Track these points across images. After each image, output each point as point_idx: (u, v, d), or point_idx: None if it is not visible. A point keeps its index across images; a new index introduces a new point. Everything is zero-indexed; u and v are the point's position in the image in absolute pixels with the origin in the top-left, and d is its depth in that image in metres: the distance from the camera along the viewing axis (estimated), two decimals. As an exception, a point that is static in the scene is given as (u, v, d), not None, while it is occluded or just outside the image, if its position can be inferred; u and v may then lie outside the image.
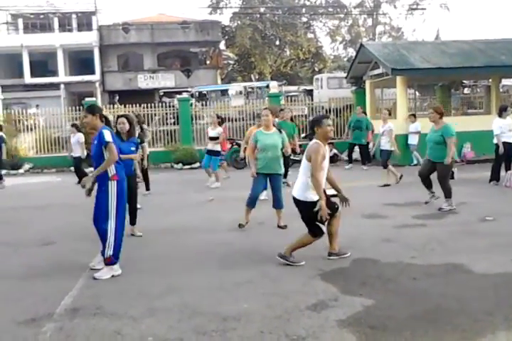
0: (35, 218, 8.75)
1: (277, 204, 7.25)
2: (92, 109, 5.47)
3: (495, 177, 10.50)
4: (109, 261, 5.24)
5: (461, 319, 3.89)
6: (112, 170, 5.32)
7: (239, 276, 5.07)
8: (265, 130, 7.34)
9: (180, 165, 16.40)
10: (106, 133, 5.28)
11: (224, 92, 26.55)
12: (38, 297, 4.66)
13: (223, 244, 6.40)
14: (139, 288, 4.82)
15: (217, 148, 11.57)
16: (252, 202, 7.24)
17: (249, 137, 8.02)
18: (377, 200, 8.94)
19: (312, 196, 5.30)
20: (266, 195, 8.84)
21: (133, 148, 6.93)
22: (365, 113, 15.97)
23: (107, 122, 5.56)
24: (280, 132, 7.46)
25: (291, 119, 11.83)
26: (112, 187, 5.28)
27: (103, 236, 5.27)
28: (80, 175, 13.08)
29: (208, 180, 11.56)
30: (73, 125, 13.84)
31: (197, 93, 26.90)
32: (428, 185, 8.51)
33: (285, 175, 11.14)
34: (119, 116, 7.09)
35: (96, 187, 5.39)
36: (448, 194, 8.13)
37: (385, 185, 10.77)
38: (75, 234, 7.21)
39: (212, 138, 11.55)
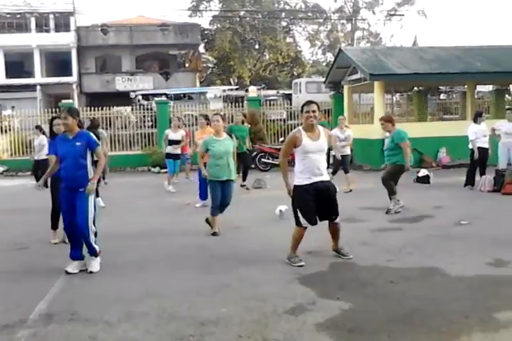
0: (8, 222, 8.59)
1: (223, 210, 7.27)
2: (74, 112, 5.48)
3: (470, 181, 10.66)
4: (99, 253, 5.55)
5: (437, 321, 3.93)
6: (91, 173, 5.43)
7: (217, 280, 5.04)
8: (216, 136, 7.28)
9: (157, 169, 16.30)
10: (94, 137, 5.48)
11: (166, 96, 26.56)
12: (11, 302, 4.57)
13: (201, 248, 6.37)
14: (115, 293, 4.76)
15: (178, 151, 11.76)
16: (216, 210, 7.20)
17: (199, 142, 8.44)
18: (354, 204, 8.99)
19: (296, 181, 5.53)
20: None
21: None
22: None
23: (81, 126, 5.64)
24: (231, 136, 7.47)
25: (242, 122, 11.91)
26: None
27: (85, 237, 5.40)
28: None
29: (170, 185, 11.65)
30: (37, 127, 13.58)
31: (140, 96, 26.95)
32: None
33: (244, 178, 11.20)
34: (53, 118, 6.96)
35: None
36: (391, 193, 8.44)
37: (350, 191, 10.81)
38: (48, 238, 7.10)
39: (174, 142, 11.57)
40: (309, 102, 5.60)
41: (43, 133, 13.08)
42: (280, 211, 7.96)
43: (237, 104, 19.06)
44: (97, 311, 4.29)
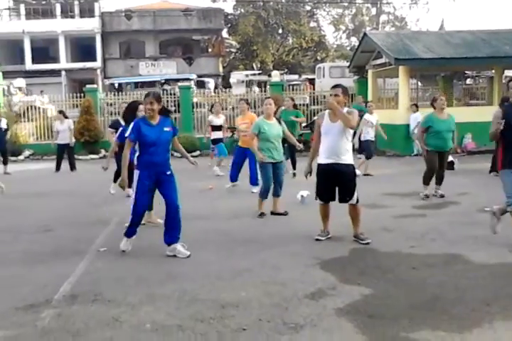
0: (34, 205, 8.75)
1: (277, 192, 7.29)
2: (159, 98, 5.47)
3: (495, 168, 10.47)
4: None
5: (459, 308, 3.90)
6: None
7: (238, 265, 5.07)
8: (267, 119, 7.32)
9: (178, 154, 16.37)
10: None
11: (142, 84, 26.79)
12: (37, 283, 4.67)
13: (222, 233, 6.41)
14: (137, 276, 4.83)
15: (222, 135, 12.07)
16: (265, 194, 7.28)
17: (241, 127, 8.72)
18: (377, 190, 8.92)
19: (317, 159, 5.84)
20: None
21: None
22: (366, 102, 15.85)
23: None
24: (279, 122, 7.46)
25: (294, 106, 11.77)
26: None
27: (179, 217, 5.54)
28: (72, 161, 13.08)
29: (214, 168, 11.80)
30: (60, 112, 13.75)
31: (116, 84, 27.08)
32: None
33: (294, 166, 11.16)
34: (138, 103, 7.12)
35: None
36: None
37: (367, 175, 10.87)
38: (73, 221, 7.24)
39: (218, 127, 11.86)
40: (334, 86, 5.84)
41: (66, 117, 13.30)
42: (302, 196, 7.95)
43: (260, 89, 18.97)
44: (120, 293, 4.36)
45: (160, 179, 5.44)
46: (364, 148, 11.35)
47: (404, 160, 13.50)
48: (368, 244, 5.64)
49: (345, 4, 43.77)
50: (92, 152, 17.09)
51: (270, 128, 7.18)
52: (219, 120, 11.99)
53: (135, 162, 5.52)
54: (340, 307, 3.95)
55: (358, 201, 5.73)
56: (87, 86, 19.70)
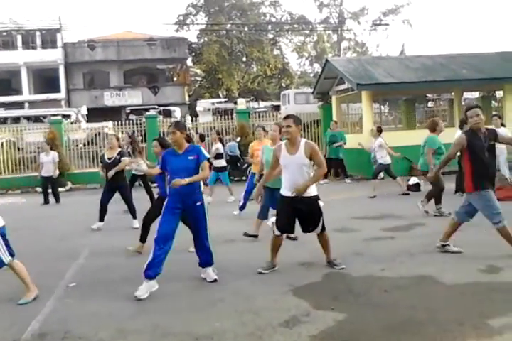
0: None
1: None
2: (182, 127, 5.47)
3: (460, 188, 10.70)
4: None
5: (432, 329, 3.93)
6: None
7: (211, 295, 5.02)
8: (272, 146, 7.25)
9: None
10: (204, 151, 5.54)
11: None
12: (4, 323, 4.52)
13: (192, 262, 6.32)
14: (108, 311, 4.72)
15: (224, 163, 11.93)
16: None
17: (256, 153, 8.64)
18: (345, 214, 9.01)
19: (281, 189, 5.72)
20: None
21: None
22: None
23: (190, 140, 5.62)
24: None
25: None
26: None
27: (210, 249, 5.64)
28: (56, 193, 12.92)
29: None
30: (48, 143, 13.68)
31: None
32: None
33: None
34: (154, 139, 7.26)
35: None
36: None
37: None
38: (40, 257, 7.05)
39: (220, 155, 11.77)
40: (285, 117, 5.69)
41: (52, 149, 13.22)
42: (272, 222, 7.94)
43: (226, 117, 19.10)
44: (91, 329, 4.25)
45: (188, 209, 5.40)
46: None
47: (367, 184, 13.66)
48: (342, 269, 5.66)
49: (307, 32, 44.81)
50: (59, 185, 16.80)
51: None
52: (221, 147, 11.96)
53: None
54: (315, 334, 3.94)
55: (324, 229, 5.68)
56: (52, 117, 19.48)
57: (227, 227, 7.42)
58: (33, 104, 33.57)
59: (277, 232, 5.69)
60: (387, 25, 43.03)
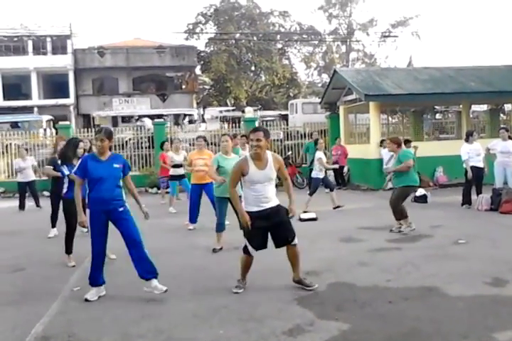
0: (4, 244, 8.54)
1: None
2: (111, 135, 5.43)
3: (467, 200, 10.68)
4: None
5: (437, 342, 3.90)
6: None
7: (215, 302, 5.01)
8: (225, 155, 7.54)
9: (155, 190, 16.30)
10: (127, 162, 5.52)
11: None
12: (8, 325, 4.53)
13: (199, 269, 6.34)
14: (112, 315, 4.72)
15: (182, 172, 11.69)
16: (222, 227, 7.46)
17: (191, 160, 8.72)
18: (352, 224, 8.98)
19: (244, 207, 5.33)
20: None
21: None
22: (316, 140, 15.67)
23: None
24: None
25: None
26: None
27: (145, 252, 5.38)
28: (36, 197, 12.88)
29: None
30: (26, 149, 13.74)
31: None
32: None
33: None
34: (79, 140, 7.13)
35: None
36: (403, 216, 8.38)
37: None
38: (45, 260, 7.07)
39: (179, 164, 11.57)
40: (254, 130, 5.34)
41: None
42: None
43: (234, 125, 19.16)
44: (95, 333, 4.25)
45: (113, 217, 5.32)
46: (311, 185, 11.41)
47: (377, 194, 13.64)
48: (313, 290, 5.28)
49: (316, 42, 44.99)
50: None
51: (228, 163, 7.15)
52: (179, 157, 11.71)
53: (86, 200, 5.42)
54: (319, 343, 3.92)
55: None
56: (60, 123, 19.59)
57: (231, 236, 7.40)
58: (42, 109, 33.79)
59: (253, 252, 5.33)
60: (396, 37, 43.14)
